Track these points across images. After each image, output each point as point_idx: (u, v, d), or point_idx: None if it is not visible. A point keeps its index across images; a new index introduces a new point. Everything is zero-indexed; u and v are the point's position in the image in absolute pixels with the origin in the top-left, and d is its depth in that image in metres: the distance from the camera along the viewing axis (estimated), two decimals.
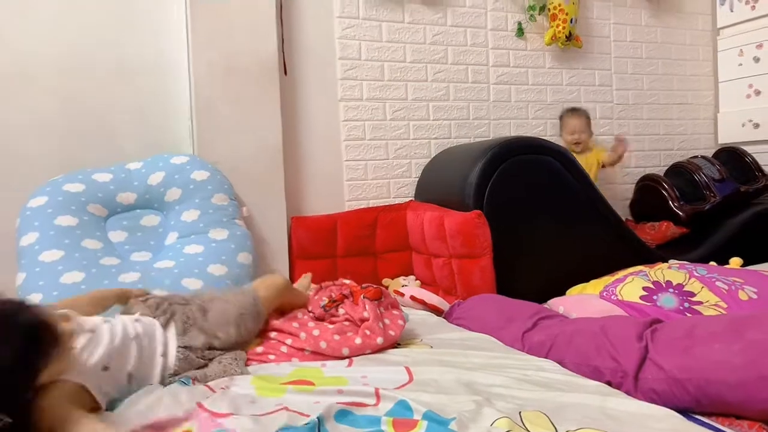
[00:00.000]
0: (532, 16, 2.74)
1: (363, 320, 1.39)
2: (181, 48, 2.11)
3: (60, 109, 1.99)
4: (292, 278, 2.18)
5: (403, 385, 1.08)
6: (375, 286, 1.53)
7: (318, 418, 0.89)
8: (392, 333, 1.36)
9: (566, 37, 2.70)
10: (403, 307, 1.57)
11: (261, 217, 2.12)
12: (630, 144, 2.79)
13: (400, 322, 1.41)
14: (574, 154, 2.69)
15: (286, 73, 2.28)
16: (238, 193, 2.04)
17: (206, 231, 1.84)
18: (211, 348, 1.21)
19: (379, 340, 1.32)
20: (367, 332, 1.34)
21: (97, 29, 2.05)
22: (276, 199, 2.17)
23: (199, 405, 0.98)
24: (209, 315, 1.25)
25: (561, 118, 2.81)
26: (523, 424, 0.90)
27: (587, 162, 2.70)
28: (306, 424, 0.88)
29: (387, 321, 1.39)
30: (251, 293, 1.33)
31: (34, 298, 1.56)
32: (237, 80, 2.09)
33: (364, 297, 1.45)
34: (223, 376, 1.13)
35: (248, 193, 2.09)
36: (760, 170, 2.85)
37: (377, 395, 1.00)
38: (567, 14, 2.67)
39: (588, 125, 2.74)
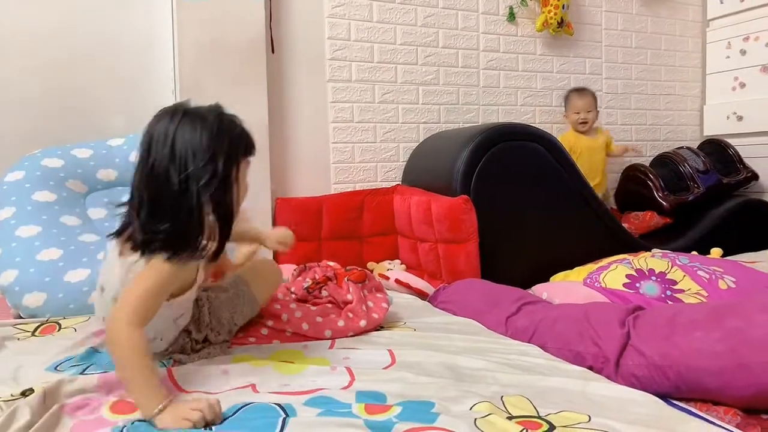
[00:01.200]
0: (523, 0, 2.72)
1: (346, 302, 1.38)
2: (167, 23, 2.06)
3: (40, 84, 1.94)
4: (276, 260, 2.16)
5: (386, 367, 1.08)
6: (359, 268, 1.52)
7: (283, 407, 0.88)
8: (375, 316, 1.35)
9: (558, 23, 2.69)
10: (387, 291, 1.56)
11: (245, 197, 2.09)
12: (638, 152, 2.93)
13: (384, 305, 1.40)
14: (580, 134, 2.72)
15: (273, 51, 2.24)
16: None
17: None
18: (205, 340, 1.18)
19: (362, 322, 1.31)
20: (350, 315, 1.33)
21: (80, 3, 1.99)
22: (261, 179, 2.13)
23: (169, 372, 0.99)
24: (222, 315, 1.21)
25: (566, 98, 2.81)
26: (505, 408, 0.90)
27: (596, 144, 2.74)
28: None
29: (371, 304, 1.39)
30: (254, 301, 1.28)
31: (10, 275, 1.52)
32: (223, 57, 2.04)
33: (348, 279, 1.44)
34: (206, 358, 1.12)
35: None
36: (742, 162, 2.88)
37: (351, 379, 1.00)
38: (559, 0, 2.65)
39: (594, 105, 2.76)
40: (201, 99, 1.99)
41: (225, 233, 0.98)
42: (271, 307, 1.34)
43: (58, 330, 1.39)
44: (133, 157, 1.85)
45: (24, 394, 0.90)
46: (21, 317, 1.52)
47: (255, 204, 2.12)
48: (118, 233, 1.01)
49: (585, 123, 2.72)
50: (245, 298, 1.25)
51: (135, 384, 0.88)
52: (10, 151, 1.85)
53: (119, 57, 2.04)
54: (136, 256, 0.96)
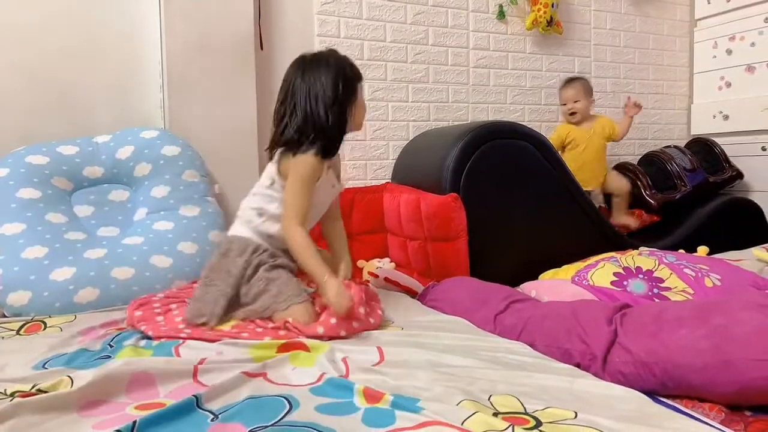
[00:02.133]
0: None
1: None
2: (154, 19, 2.04)
3: (24, 80, 1.91)
4: None
5: (375, 365, 1.08)
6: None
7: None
8: (372, 321, 1.34)
9: (547, 22, 2.70)
10: (376, 288, 1.56)
11: (234, 195, 2.07)
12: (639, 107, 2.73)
13: (379, 311, 1.40)
14: (574, 125, 2.67)
15: (262, 48, 2.23)
16: (210, 170, 2.00)
17: (176, 207, 1.80)
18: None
19: (355, 323, 1.30)
20: None
21: None
22: (250, 177, 2.09)
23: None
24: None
25: (559, 90, 2.78)
26: (492, 405, 0.90)
27: (589, 133, 2.64)
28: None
29: (367, 309, 1.38)
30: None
31: None
32: (211, 53, 2.03)
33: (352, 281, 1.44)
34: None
35: (221, 170, 2.05)
36: (728, 161, 2.91)
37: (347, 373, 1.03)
38: None
39: (584, 93, 2.66)
40: (189, 95, 2.00)
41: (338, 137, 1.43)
42: None
43: (44, 329, 1.38)
44: (120, 153, 1.84)
45: (13, 395, 0.89)
46: (5, 316, 1.50)
47: None
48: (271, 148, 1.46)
49: (574, 113, 2.65)
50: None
51: (309, 264, 1.33)
52: None
53: (105, 53, 2.02)
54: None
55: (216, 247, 1.77)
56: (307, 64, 1.44)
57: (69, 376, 0.97)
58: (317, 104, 1.37)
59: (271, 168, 1.44)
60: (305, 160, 1.36)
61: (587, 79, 2.76)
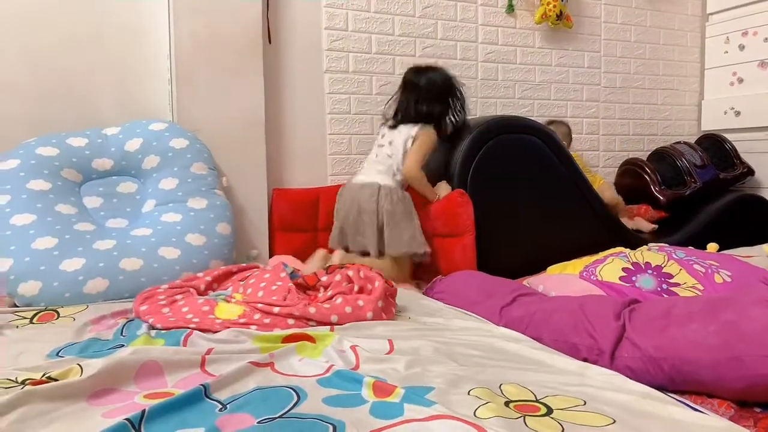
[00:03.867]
0: None
1: (364, 290, 1.38)
2: (162, 12, 2.04)
3: (32, 71, 1.92)
4: (271, 252, 2.16)
5: (385, 354, 1.08)
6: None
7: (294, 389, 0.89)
8: (384, 316, 1.34)
9: (557, 15, 2.68)
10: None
11: (241, 188, 2.08)
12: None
13: (394, 309, 1.41)
14: None
15: (270, 41, 2.22)
16: (218, 162, 2.00)
17: (185, 200, 1.80)
18: None
19: (369, 314, 1.31)
20: (360, 303, 1.32)
21: None
22: (257, 170, 2.13)
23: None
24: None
25: None
26: (503, 393, 0.90)
27: None
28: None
29: (384, 304, 1.39)
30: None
31: (5, 264, 1.52)
32: (219, 47, 2.03)
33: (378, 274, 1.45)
34: None
35: (229, 163, 2.05)
36: (739, 158, 2.88)
37: (357, 363, 1.03)
38: None
39: (565, 138, 2.67)
40: (197, 88, 2.00)
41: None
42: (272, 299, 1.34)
43: (57, 318, 1.39)
44: (129, 146, 1.85)
45: (24, 383, 0.90)
46: (16, 305, 1.51)
47: (251, 194, 2.11)
48: (394, 125, 2.11)
49: None
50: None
51: (426, 191, 2.03)
52: (3, 138, 1.84)
53: (114, 45, 2.03)
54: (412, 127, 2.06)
55: (224, 240, 1.79)
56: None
57: (79, 365, 0.97)
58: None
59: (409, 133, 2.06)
60: (427, 133, 2.07)
61: (568, 125, 2.76)
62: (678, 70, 3.21)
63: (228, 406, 0.86)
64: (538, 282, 1.77)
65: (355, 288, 1.40)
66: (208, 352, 1.06)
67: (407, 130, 2.04)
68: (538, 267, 1.97)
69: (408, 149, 2.02)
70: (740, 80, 3.03)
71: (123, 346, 1.15)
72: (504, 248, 2.03)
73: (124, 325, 1.29)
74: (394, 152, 2.04)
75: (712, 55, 3.18)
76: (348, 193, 2.05)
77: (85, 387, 0.90)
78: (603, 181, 2.70)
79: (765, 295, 1.09)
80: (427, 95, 2.06)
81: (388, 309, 1.38)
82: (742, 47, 3.01)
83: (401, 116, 2.09)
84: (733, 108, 3.04)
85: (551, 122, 2.74)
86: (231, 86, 2.06)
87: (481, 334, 1.24)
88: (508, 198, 2.06)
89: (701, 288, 1.58)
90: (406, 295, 1.65)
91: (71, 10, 1.97)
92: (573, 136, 2.84)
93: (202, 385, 0.90)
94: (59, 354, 1.11)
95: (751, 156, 2.90)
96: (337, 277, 1.46)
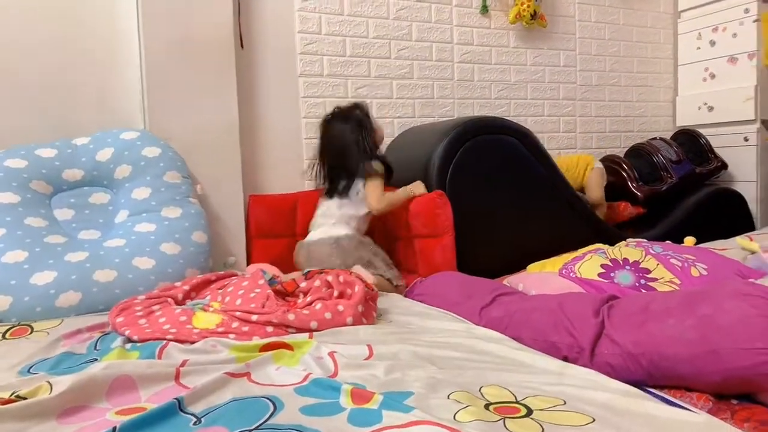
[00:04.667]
0: None
1: (344, 295, 1.37)
2: (131, 18, 2.00)
3: None
4: (249, 259, 2.13)
5: (364, 360, 1.07)
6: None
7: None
8: (364, 321, 1.33)
9: (531, 15, 2.69)
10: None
11: (217, 195, 2.05)
12: None
13: (374, 313, 1.39)
14: None
15: (242, 46, 2.20)
16: (192, 170, 1.97)
17: (158, 209, 1.77)
18: None
19: (349, 320, 1.29)
20: (340, 308, 1.31)
21: None
22: (232, 177, 2.10)
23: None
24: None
25: None
26: (483, 396, 0.89)
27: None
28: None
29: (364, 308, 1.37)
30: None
31: None
32: (191, 52, 2.00)
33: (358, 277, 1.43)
34: None
35: (203, 170, 2.02)
36: (713, 152, 2.93)
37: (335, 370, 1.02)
38: None
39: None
40: (169, 95, 1.97)
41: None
42: (250, 307, 1.32)
43: (30, 333, 1.36)
44: (100, 156, 1.81)
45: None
46: None
47: (227, 201, 2.09)
48: (330, 194, 2.02)
49: None
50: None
51: (400, 201, 1.99)
52: None
53: (83, 53, 1.98)
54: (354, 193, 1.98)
55: (200, 248, 1.77)
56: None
57: (48, 382, 0.95)
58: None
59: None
60: (374, 180, 1.98)
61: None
62: (652, 66, 3.25)
63: (203, 419, 0.84)
64: (518, 281, 1.77)
65: (335, 293, 1.39)
66: (183, 363, 1.04)
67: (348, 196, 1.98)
68: (518, 266, 1.98)
69: (361, 195, 1.97)
70: (712, 76, 3.08)
71: (96, 360, 1.12)
72: (484, 248, 2.04)
73: (99, 339, 1.26)
74: (342, 202, 1.98)
75: (684, 51, 3.23)
76: (305, 252, 1.97)
77: (54, 405, 0.87)
78: (594, 167, 2.66)
79: (740, 288, 1.10)
80: (338, 161, 1.99)
81: (368, 313, 1.36)
82: (713, 43, 3.06)
83: (329, 190, 2.02)
84: (706, 103, 3.09)
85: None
86: (204, 92, 2.03)
87: (462, 335, 1.24)
88: (487, 198, 2.07)
89: (678, 282, 1.60)
90: (387, 298, 1.64)
91: (37, 17, 1.92)
92: (551, 134, 2.86)
93: (176, 398, 0.88)
94: (30, 370, 1.08)
95: (724, 150, 2.95)
96: (317, 283, 1.44)
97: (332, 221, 1.97)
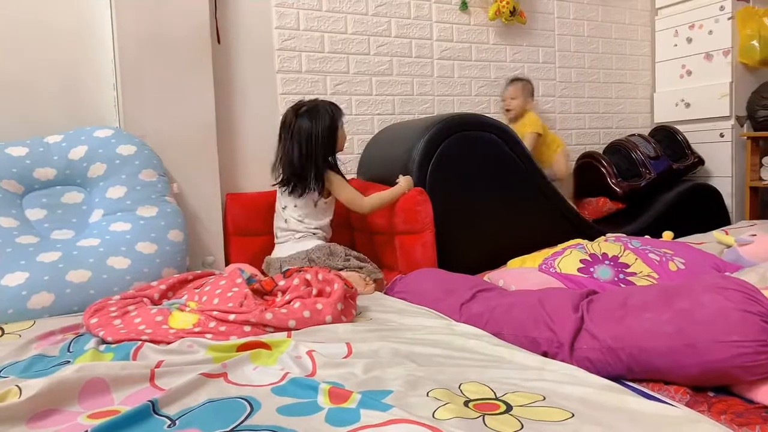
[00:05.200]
0: None
1: (323, 294, 1.35)
2: (104, 11, 1.96)
3: None
4: (227, 257, 2.10)
5: (344, 358, 1.06)
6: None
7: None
8: (344, 319, 1.32)
9: (510, 12, 2.70)
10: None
11: (194, 193, 2.02)
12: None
13: (354, 311, 1.38)
14: (507, 122, 2.68)
15: (219, 41, 2.17)
16: (168, 168, 1.93)
17: (134, 208, 1.73)
18: None
19: (328, 318, 1.28)
20: (319, 306, 1.29)
21: None
22: (209, 175, 2.06)
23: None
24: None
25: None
26: (462, 393, 0.89)
27: (521, 126, 2.68)
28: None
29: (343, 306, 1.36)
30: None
31: None
32: (166, 48, 1.96)
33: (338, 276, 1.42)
34: None
35: (179, 168, 1.98)
36: (690, 148, 2.97)
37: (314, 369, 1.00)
38: None
39: (522, 92, 2.73)
40: (144, 92, 1.93)
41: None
42: (227, 307, 1.30)
43: (2, 335, 1.33)
44: (73, 154, 1.77)
45: None
46: None
47: (204, 199, 2.05)
48: (289, 189, 1.93)
49: (509, 110, 2.74)
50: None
51: (390, 200, 1.95)
52: None
53: (52, 49, 1.93)
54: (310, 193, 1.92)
55: (176, 247, 1.74)
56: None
57: (18, 386, 0.92)
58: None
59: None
60: (335, 176, 1.95)
61: (531, 82, 2.80)
62: (630, 63, 3.28)
63: (177, 421, 0.83)
64: (498, 276, 1.77)
65: (314, 291, 1.37)
66: (158, 365, 1.02)
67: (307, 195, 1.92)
68: (499, 261, 1.98)
69: (322, 203, 1.94)
70: (689, 72, 3.11)
71: (69, 362, 1.09)
72: (464, 244, 2.04)
73: (72, 341, 1.23)
74: (303, 213, 1.93)
75: (662, 48, 3.26)
76: (275, 270, 1.87)
77: (24, 409, 0.85)
78: (562, 148, 2.81)
79: (716, 282, 1.11)
80: (299, 161, 1.87)
81: (348, 311, 1.35)
82: (689, 40, 3.10)
83: (292, 189, 1.91)
84: (683, 100, 3.13)
85: (513, 79, 2.79)
86: (179, 89, 1.99)
87: (442, 332, 1.23)
88: (468, 194, 2.07)
89: (656, 276, 1.61)
90: (367, 295, 1.63)
91: (7, 12, 1.87)
92: None
93: (149, 401, 0.86)
94: (0, 374, 1.05)
95: (701, 146, 2.99)
96: (295, 281, 1.43)
97: (298, 235, 1.92)
